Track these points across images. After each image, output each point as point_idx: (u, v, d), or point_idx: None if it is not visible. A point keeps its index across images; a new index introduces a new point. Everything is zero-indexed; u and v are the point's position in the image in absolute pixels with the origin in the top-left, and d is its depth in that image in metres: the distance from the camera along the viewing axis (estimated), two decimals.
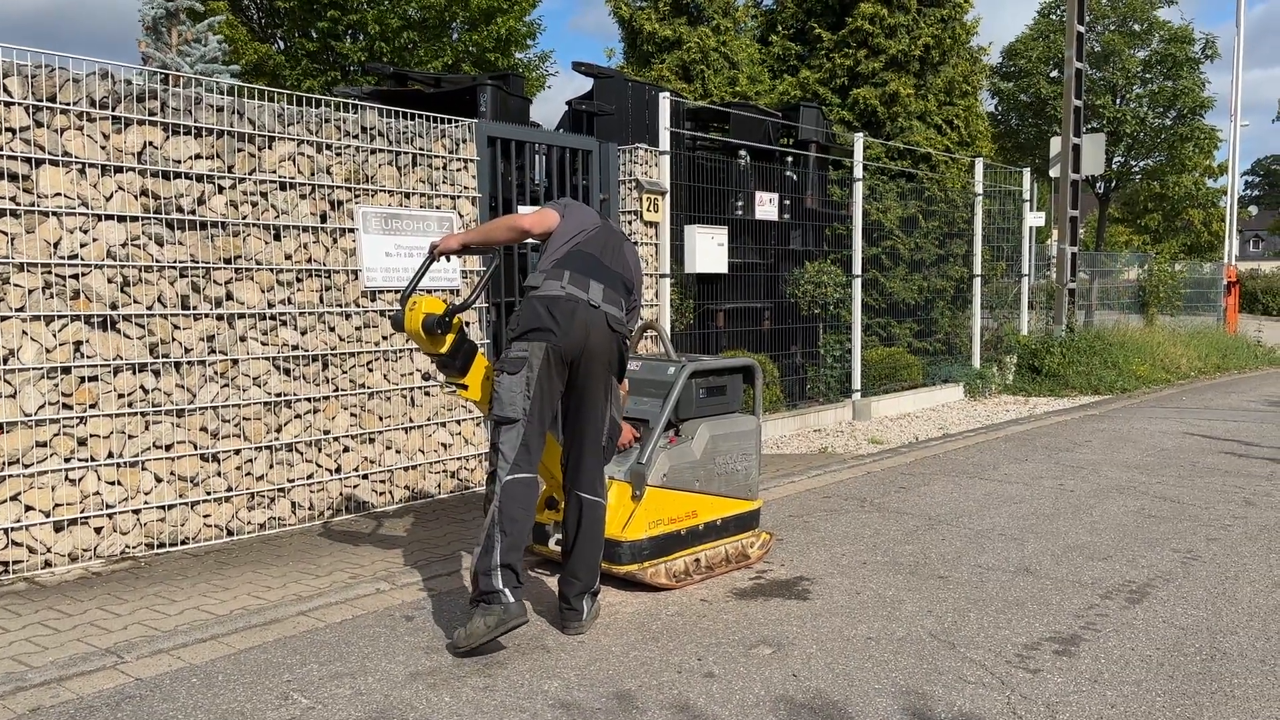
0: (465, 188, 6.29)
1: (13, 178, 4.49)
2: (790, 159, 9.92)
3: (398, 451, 5.96)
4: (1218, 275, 20.48)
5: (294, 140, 5.45)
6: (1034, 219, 14.09)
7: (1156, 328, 16.44)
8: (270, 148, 5.35)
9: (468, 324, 6.21)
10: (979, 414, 10.38)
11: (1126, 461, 7.57)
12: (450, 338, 3.92)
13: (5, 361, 4.47)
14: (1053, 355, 12.44)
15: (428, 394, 6.12)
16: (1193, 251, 33.57)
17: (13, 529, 4.50)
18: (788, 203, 9.65)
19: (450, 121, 6.22)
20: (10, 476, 4.49)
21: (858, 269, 10.00)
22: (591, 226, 4.03)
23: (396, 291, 5.83)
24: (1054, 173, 13.98)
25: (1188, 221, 35.17)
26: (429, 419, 6.12)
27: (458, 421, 6.29)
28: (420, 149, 6.04)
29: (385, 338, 5.87)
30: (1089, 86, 31.09)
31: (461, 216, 6.24)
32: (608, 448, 4.00)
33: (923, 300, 11.43)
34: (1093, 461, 7.57)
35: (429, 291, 5.79)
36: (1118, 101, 33.69)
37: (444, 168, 6.19)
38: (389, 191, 5.89)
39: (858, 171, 10.05)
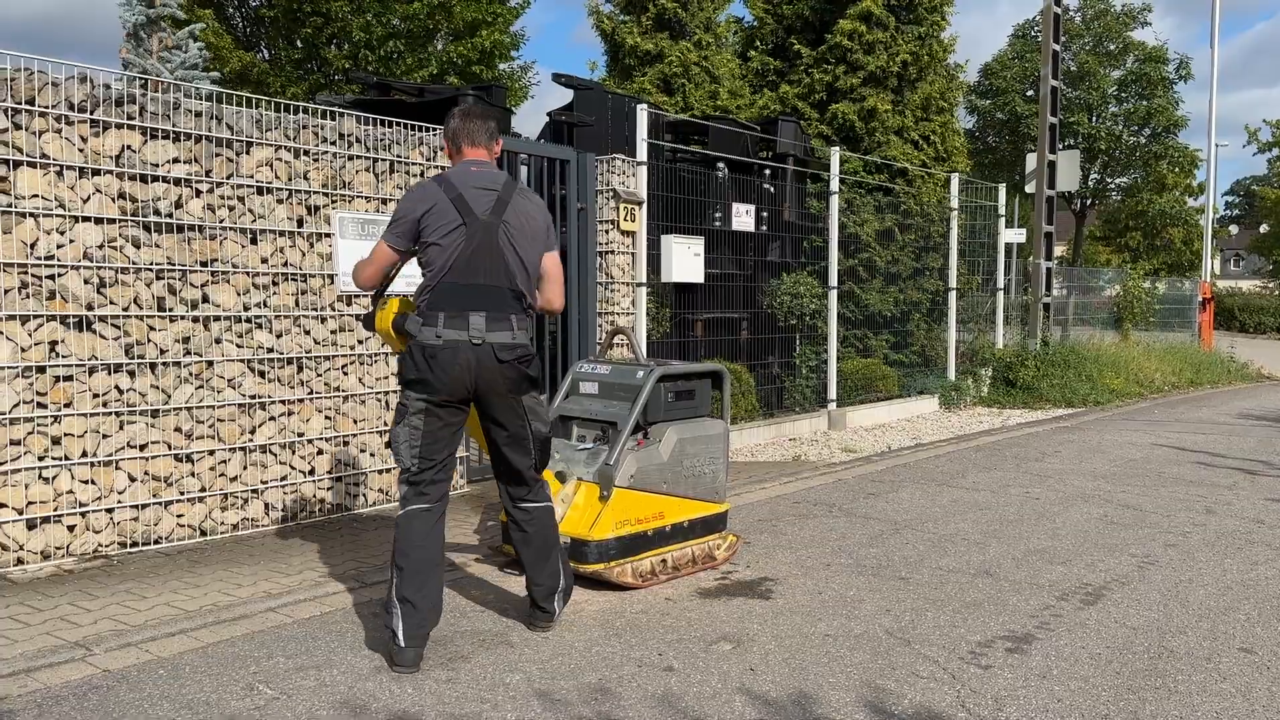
0: None
1: None
2: (768, 172, 10.04)
3: (372, 454, 6.01)
4: (1195, 292, 20.74)
5: (271, 145, 5.52)
6: (1013, 235, 14.26)
7: (1131, 342, 16.64)
8: (248, 153, 5.42)
9: None
10: (952, 425, 10.51)
11: (1094, 471, 7.69)
12: None
13: None
14: (1027, 368, 12.61)
15: None
16: (1173, 270, 33.94)
17: None
18: (765, 215, 9.77)
19: (427, 129, 6.30)
20: None
21: (833, 281, 10.13)
22: (451, 226, 3.58)
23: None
24: (1030, 188, 14.18)
25: (1168, 240, 35.56)
26: None
27: None
28: (397, 156, 6.12)
29: (360, 341, 5.93)
30: (1064, 104, 31.43)
31: None
32: (539, 460, 3.89)
33: (899, 312, 11.57)
34: (1060, 471, 7.69)
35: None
36: (1093, 119, 34.11)
37: (421, 175, 6.26)
38: (365, 197, 5.96)
39: (834, 185, 10.19)
